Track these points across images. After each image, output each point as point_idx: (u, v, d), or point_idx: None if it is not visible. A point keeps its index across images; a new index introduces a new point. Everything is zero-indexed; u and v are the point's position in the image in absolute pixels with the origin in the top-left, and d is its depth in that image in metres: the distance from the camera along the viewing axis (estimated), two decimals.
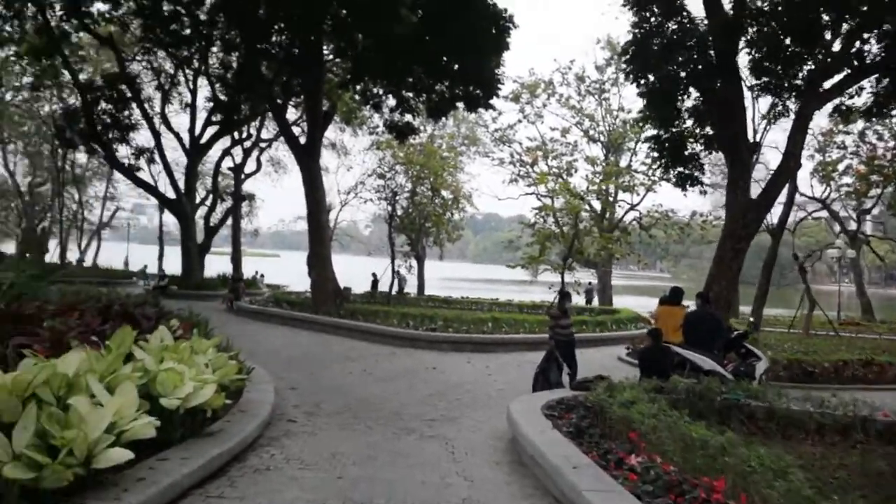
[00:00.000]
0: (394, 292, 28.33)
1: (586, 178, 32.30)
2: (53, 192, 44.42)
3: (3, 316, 5.70)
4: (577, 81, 36.63)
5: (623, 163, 36.82)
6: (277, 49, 23.77)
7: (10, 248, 47.99)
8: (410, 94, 22.85)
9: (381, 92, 24.18)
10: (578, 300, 26.11)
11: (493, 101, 21.23)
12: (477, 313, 23.09)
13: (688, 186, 16.07)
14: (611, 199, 35.97)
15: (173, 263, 35.30)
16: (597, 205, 35.41)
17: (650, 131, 16.74)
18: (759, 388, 8.67)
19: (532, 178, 35.35)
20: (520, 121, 37.18)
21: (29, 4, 24.82)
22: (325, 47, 22.69)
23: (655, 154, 16.02)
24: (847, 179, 35.09)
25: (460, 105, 22.67)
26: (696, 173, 15.58)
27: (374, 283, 29.71)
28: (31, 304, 6.27)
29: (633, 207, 36.15)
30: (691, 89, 14.35)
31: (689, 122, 15.13)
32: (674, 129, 15.15)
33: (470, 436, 7.24)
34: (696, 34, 13.35)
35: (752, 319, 19.15)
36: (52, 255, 44.26)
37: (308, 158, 20.29)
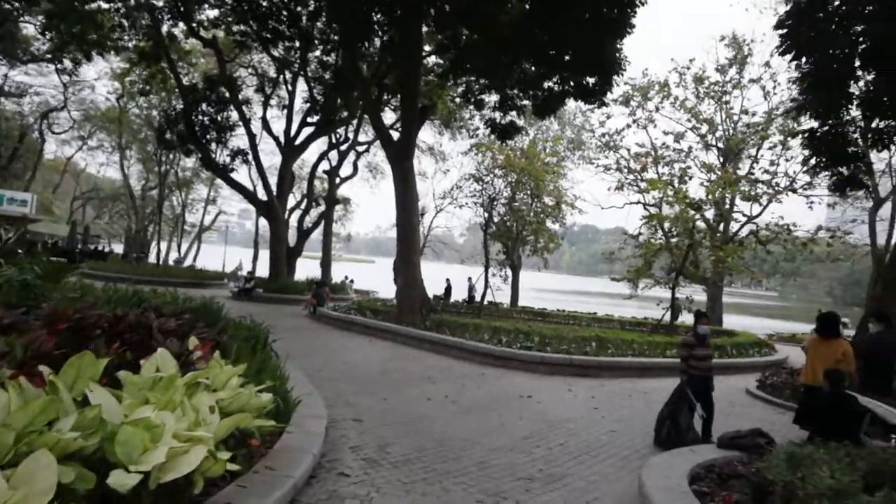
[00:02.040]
0: (461, 301, 26.95)
1: (703, 186, 29.23)
2: (159, 195, 45.66)
3: None
4: (696, 83, 33.61)
5: (741, 171, 33.42)
6: (376, 46, 22.76)
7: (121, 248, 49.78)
8: (515, 91, 21.09)
9: (483, 88, 22.59)
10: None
11: (609, 96, 18.99)
12: (575, 329, 21.11)
13: (848, 191, 13.28)
14: (724, 210, 32.66)
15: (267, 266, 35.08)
16: (709, 215, 32.23)
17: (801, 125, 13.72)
18: None
19: (640, 186, 32.64)
20: (629, 125, 34.68)
21: (145, 13, 25.23)
22: (426, 45, 21.41)
23: (808, 152, 13.24)
24: None
25: (570, 101, 20.64)
26: (861, 175, 12.74)
27: (448, 290, 28.14)
28: (14, 311, 4.85)
29: (750, 220, 32.79)
30: (859, 72, 11.65)
31: (856, 113, 12.34)
32: (833, 122, 12.41)
33: None
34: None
35: None
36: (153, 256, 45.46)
37: (401, 156, 18.81)
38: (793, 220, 30.25)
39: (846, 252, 35.05)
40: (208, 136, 28.17)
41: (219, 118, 28.49)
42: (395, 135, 24.66)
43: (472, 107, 27.44)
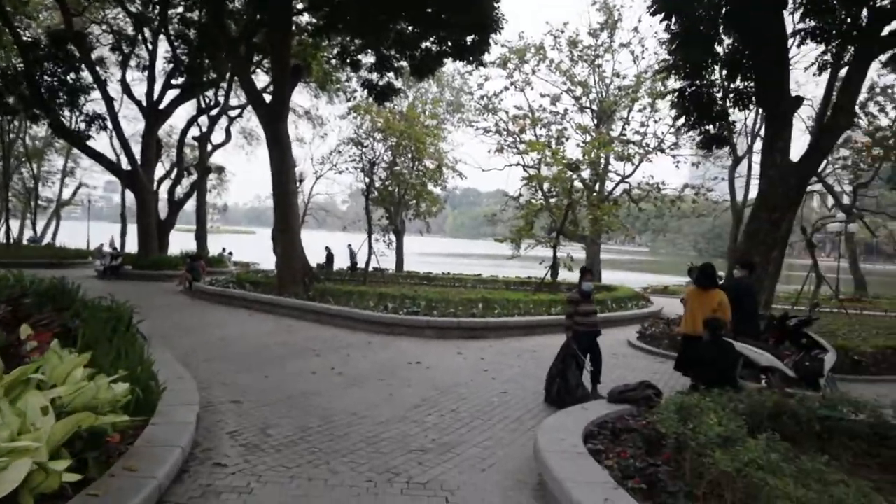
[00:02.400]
0: (345, 269, 26.61)
1: (579, 147, 30.07)
2: (4, 168, 40.88)
3: None
4: (570, 46, 34.25)
5: (615, 133, 34.74)
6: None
7: None
8: (392, 52, 20.49)
9: (359, 49, 21.79)
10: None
11: (486, 56, 18.82)
12: (461, 291, 21.24)
13: (714, 148, 13.90)
14: (600, 170, 33.89)
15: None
16: (585, 175, 33.36)
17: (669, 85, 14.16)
18: (840, 392, 6.71)
19: (519, 148, 33.16)
20: (507, 88, 34.93)
21: None
22: (298, 3, 20.35)
23: (676, 111, 13.69)
24: (844, 152, 33.10)
25: (448, 62, 20.30)
26: (725, 133, 13.34)
27: (329, 258, 27.53)
28: None
29: (623, 179, 34.34)
30: (722, 35, 12.14)
31: (720, 73, 12.88)
32: (700, 83, 12.91)
33: (479, 479, 5.07)
34: None
35: (815, 302, 16.97)
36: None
37: (274, 119, 17.84)
38: (661, 179, 32.09)
39: (709, 208, 37.59)
40: (58, 100, 25.62)
41: (68, 79, 25.94)
42: (270, 98, 23.46)
43: (348, 68, 26.52)
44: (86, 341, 6.19)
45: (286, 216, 17.93)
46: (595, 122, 35.39)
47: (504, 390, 8.40)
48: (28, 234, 48.54)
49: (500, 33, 16.96)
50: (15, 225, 50.91)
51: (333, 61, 27.35)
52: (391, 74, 21.58)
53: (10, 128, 38.96)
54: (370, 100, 24.16)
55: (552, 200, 26.37)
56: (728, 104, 13.21)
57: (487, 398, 7.94)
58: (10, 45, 27.39)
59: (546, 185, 26.79)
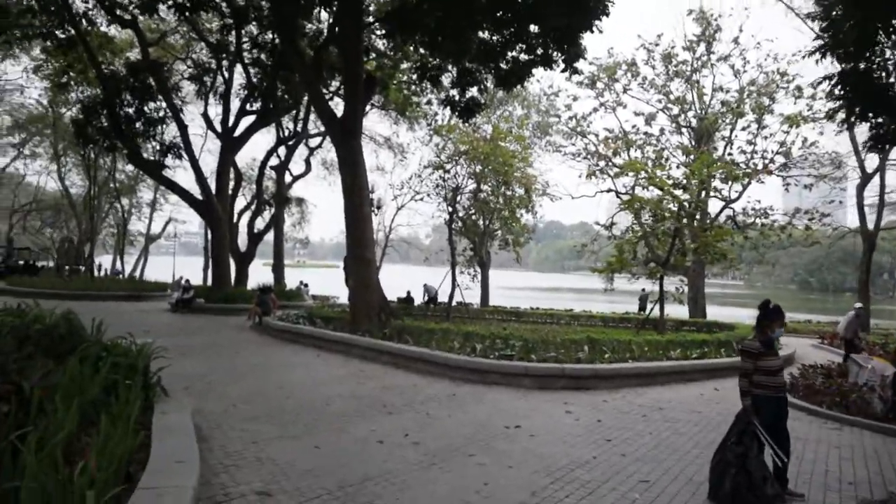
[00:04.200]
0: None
1: (684, 167, 27.02)
2: (95, 204, 41.07)
3: None
4: (664, 61, 31.52)
5: (716, 154, 31.50)
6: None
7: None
8: (475, 65, 18.70)
9: (439, 67, 20.12)
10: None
11: (581, 63, 16.62)
12: (555, 329, 18.93)
13: (888, 146, 11.02)
14: (703, 194, 30.62)
15: None
16: (685, 198, 30.24)
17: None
18: None
19: (611, 172, 30.46)
20: (596, 109, 32.39)
21: None
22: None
23: (836, 102, 10.80)
24: None
25: (537, 71, 18.09)
26: None
27: (409, 299, 25.64)
28: None
29: (729, 203, 30.86)
30: None
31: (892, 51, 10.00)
32: (867, 64, 10.08)
33: None
34: None
35: None
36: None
37: (346, 135, 16.14)
38: (767, 204, 28.74)
39: (824, 235, 33.45)
40: (134, 129, 25.15)
41: (145, 109, 25.52)
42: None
43: (428, 91, 24.95)
44: (45, 410, 4.27)
45: (360, 243, 16.00)
46: (693, 142, 32.34)
47: (644, 477, 5.90)
48: (127, 268, 49.60)
49: (602, 18, 14.43)
50: (108, 259, 52.24)
51: (413, 87, 25.96)
52: (474, 89, 19.80)
53: (99, 163, 39.31)
54: (452, 121, 22.37)
55: (655, 227, 23.49)
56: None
57: (623, 492, 5.47)
58: (93, 80, 27.30)
59: (646, 211, 23.93)
